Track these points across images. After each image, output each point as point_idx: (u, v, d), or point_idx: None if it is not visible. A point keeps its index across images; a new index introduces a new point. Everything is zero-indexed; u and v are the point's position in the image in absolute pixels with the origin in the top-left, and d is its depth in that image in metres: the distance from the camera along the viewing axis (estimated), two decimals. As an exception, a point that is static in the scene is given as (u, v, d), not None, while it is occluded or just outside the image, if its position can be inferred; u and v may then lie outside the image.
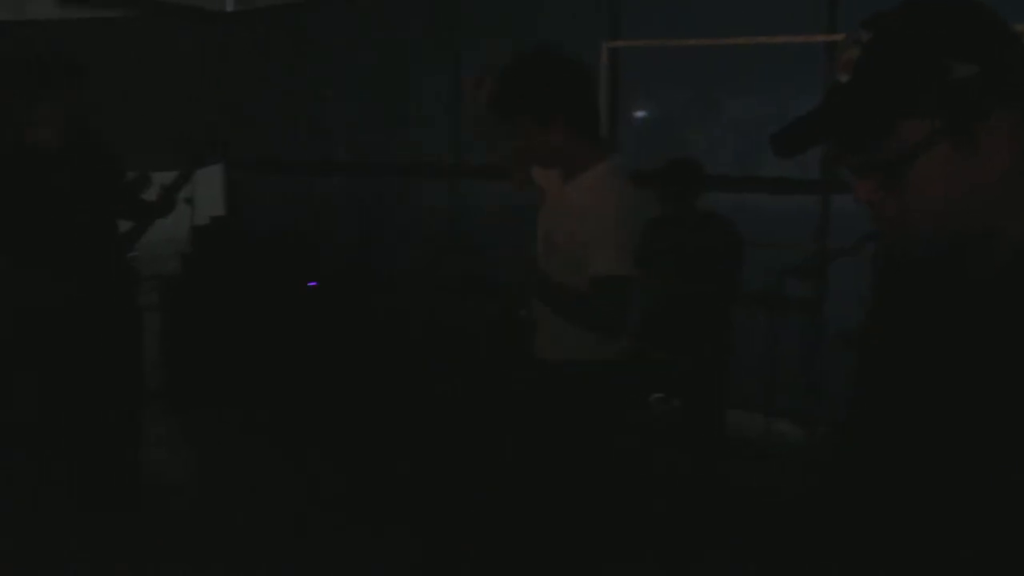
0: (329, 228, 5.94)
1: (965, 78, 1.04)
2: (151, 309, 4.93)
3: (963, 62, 1.04)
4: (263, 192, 6.47)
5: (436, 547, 3.51)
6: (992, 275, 1.12)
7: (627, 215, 2.33)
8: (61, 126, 3.54)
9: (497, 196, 5.01)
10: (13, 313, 3.73)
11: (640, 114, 5.18)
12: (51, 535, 3.63)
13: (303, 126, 6.20)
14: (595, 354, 2.44)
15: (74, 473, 3.87)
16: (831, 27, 4.20)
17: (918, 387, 1.20)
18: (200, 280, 5.30)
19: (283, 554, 3.55)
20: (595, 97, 2.48)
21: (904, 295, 1.27)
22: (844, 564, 1.35)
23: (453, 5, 5.40)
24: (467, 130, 2.29)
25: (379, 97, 5.70)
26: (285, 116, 6.29)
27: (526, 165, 2.54)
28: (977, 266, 1.13)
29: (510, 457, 2.83)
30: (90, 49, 6.11)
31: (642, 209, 2.47)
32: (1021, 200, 1.09)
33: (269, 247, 5.28)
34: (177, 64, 6.41)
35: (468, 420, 4.34)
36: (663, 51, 4.74)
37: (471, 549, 3.35)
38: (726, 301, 3.93)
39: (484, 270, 4.60)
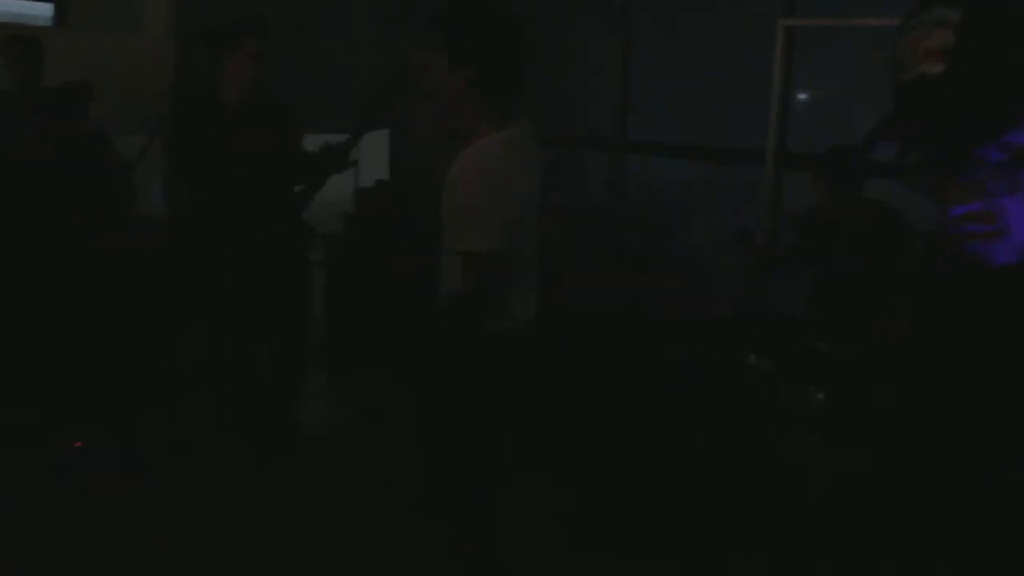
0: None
1: None
2: (317, 266, 5.15)
3: None
4: (428, 157, 6.60)
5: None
6: None
7: (492, 191, 2.29)
8: (245, 86, 3.73)
9: (663, 172, 5.00)
10: (196, 261, 3.98)
11: (814, 95, 5.03)
12: (207, 477, 3.86)
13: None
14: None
15: (236, 419, 4.12)
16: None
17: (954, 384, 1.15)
18: (362, 241, 5.50)
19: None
20: (517, 60, 2.37)
21: (958, 299, 1.17)
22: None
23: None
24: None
25: (543, 66, 5.72)
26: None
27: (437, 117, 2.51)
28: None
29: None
30: (273, 12, 6.38)
31: (518, 184, 2.38)
32: None
33: (431, 212, 5.39)
34: (350, 28, 6.58)
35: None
36: (840, 30, 4.58)
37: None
38: (889, 290, 3.79)
39: (651, 248, 4.61)
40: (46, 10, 6.83)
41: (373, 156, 6.10)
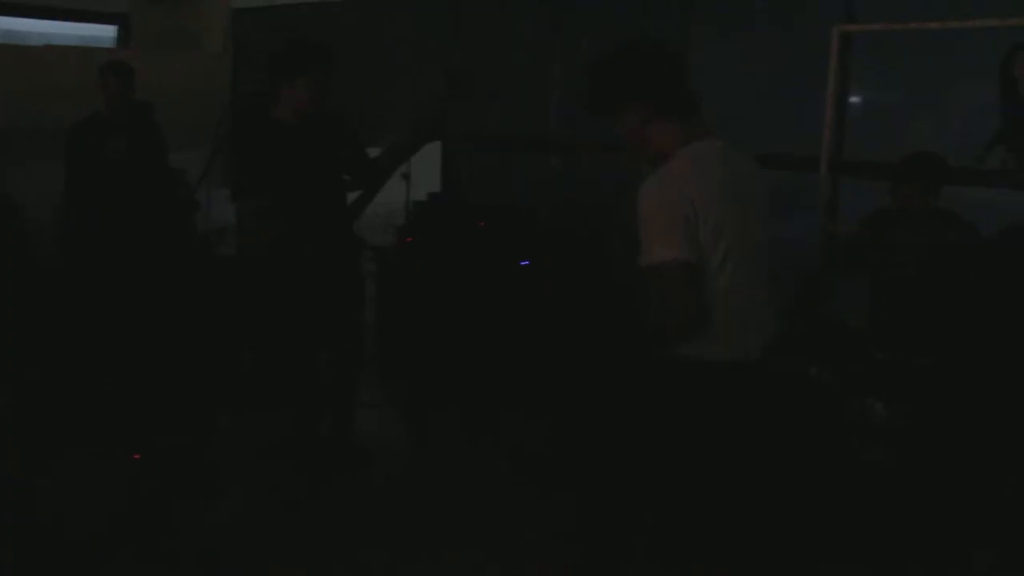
0: (543, 207, 6.02)
1: None
2: (369, 278, 5.19)
3: None
4: (480, 169, 6.62)
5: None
6: None
7: (656, 206, 2.29)
8: (306, 104, 3.75)
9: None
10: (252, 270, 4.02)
11: (869, 101, 4.94)
12: (265, 494, 3.85)
13: (523, 103, 6.27)
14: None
15: (292, 430, 4.11)
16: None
17: None
18: (413, 253, 5.52)
19: (477, 523, 3.62)
20: (683, 82, 2.45)
21: None
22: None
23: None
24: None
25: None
26: (505, 93, 6.37)
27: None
28: None
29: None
30: (331, 30, 6.48)
31: (704, 196, 2.31)
32: None
33: (482, 224, 5.42)
34: (409, 42, 6.64)
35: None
36: (898, 35, 4.50)
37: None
38: (962, 302, 3.71)
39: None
40: (110, 32, 7.04)
41: (425, 169, 6.13)
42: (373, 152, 4.12)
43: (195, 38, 7.29)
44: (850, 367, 3.54)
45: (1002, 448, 3.40)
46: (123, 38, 7.04)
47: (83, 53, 5.59)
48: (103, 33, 6.99)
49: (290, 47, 3.74)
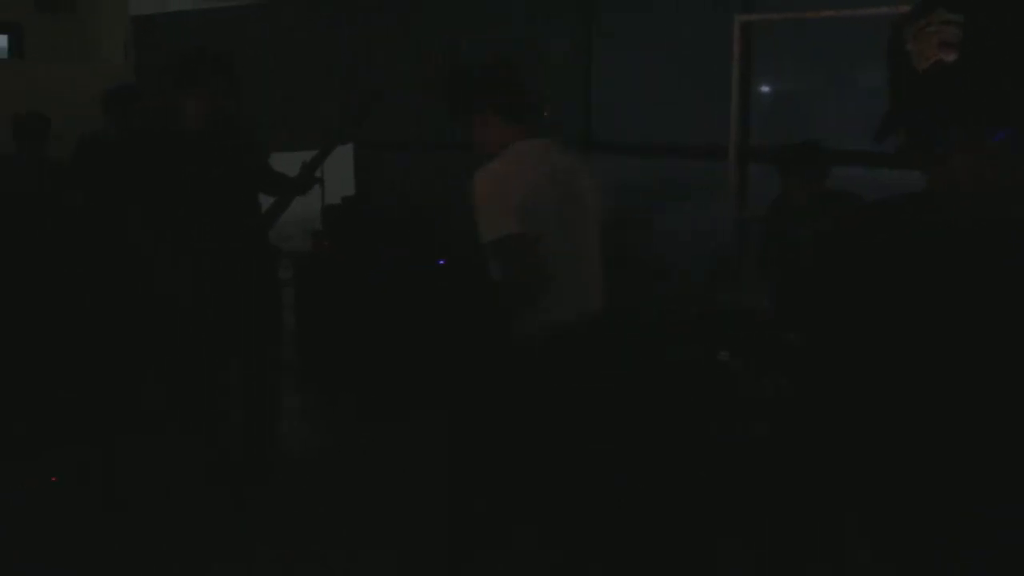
0: (459, 207, 6.01)
1: None
2: (286, 284, 5.10)
3: None
4: (394, 172, 6.60)
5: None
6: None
7: (488, 194, 2.68)
8: (205, 114, 3.69)
9: (628, 170, 5.02)
10: (164, 288, 3.93)
11: (772, 89, 5.05)
12: (184, 508, 3.80)
13: (434, 106, 6.27)
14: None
15: (212, 446, 4.05)
16: None
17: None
18: (330, 258, 5.46)
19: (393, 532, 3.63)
20: (520, 88, 2.86)
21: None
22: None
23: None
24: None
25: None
26: (417, 96, 6.37)
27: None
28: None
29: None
30: (229, 36, 6.38)
31: (523, 180, 2.71)
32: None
33: (399, 226, 5.40)
34: (312, 47, 6.59)
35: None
36: (799, 24, 4.61)
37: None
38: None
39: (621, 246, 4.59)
40: (1, 42, 6.78)
41: (339, 173, 6.07)
42: (278, 159, 4.09)
43: (93, 47, 7.08)
44: (760, 350, 3.60)
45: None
46: (15, 48, 6.77)
47: None
48: (-5, 44, 6.74)
49: (187, 57, 3.71)
